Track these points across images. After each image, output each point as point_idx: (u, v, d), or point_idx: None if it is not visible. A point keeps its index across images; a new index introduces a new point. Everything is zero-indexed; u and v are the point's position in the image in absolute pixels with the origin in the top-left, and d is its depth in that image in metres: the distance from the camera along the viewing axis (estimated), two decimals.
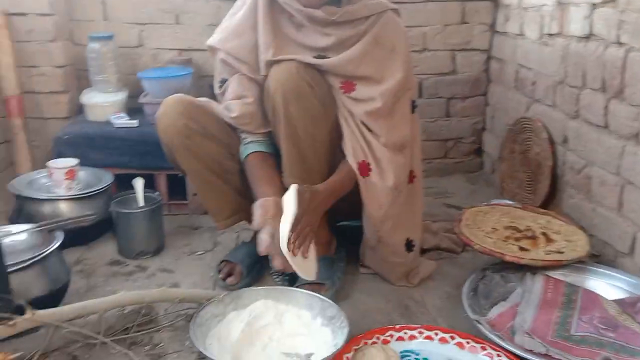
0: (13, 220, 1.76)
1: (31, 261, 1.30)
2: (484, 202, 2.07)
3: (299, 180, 1.43)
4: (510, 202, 1.90)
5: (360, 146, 1.44)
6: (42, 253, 1.33)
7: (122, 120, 2.05)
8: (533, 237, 1.60)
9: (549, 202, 1.98)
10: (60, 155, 1.97)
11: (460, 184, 2.48)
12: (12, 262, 1.27)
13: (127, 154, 1.99)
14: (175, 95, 1.49)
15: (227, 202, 1.55)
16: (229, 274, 1.55)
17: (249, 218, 1.64)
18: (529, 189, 2.09)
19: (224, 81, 1.55)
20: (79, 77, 2.32)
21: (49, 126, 2.22)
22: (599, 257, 1.66)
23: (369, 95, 1.42)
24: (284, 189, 1.46)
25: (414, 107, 1.55)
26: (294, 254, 1.24)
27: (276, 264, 1.27)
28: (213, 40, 1.53)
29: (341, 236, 1.70)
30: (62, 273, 1.41)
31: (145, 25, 2.30)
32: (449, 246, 1.79)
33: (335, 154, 1.50)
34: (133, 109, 2.21)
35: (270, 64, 1.41)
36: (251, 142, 1.51)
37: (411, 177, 1.55)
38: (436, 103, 2.49)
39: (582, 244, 1.55)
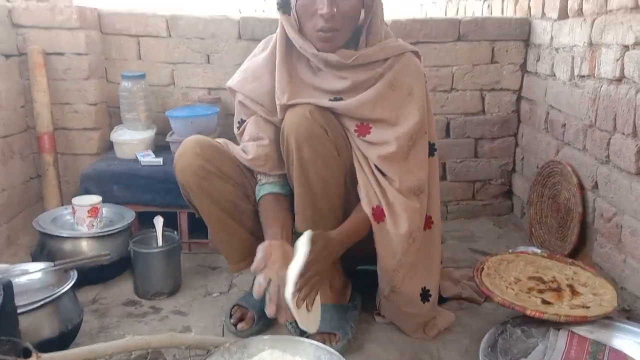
0: (36, 256, 1.80)
1: (42, 302, 1.32)
2: (510, 249, 2.01)
3: (310, 224, 1.42)
4: (537, 250, 1.82)
5: (374, 191, 1.41)
6: (53, 294, 1.35)
7: (148, 159, 2.09)
8: (558, 290, 1.52)
9: (579, 250, 1.89)
10: (87, 191, 2.02)
11: (487, 228, 2.40)
12: (23, 303, 1.29)
13: (150, 191, 2.01)
14: (194, 136, 1.50)
15: (241, 245, 1.54)
16: (240, 319, 1.53)
17: None
18: (559, 235, 2.01)
19: (242, 122, 1.56)
20: (112, 114, 2.39)
21: (80, 162, 2.29)
22: (630, 312, 1.57)
23: (384, 139, 1.40)
24: (295, 233, 1.46)
25: (433, 150, 1.52)
26: (298, 306, 1.20)
27: (270, 311, 1.22)
28: (232, 81, 1.56)
29: (358, 281, 1.66)
30: (74, 314, 1.42)
31: (177, 65, 2.36)
32: (470, 296, 1.72)
33: (350, 199, 1.48)
34: (161, 146, 2.26)
35: (286, 107, 1.41)
36: (266, 183, 1.51)
37: (428, 223, 1.50)
38: (464, 143, 2.44)
39: (610, 298, 1.46)
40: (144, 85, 2.23)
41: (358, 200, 1.45)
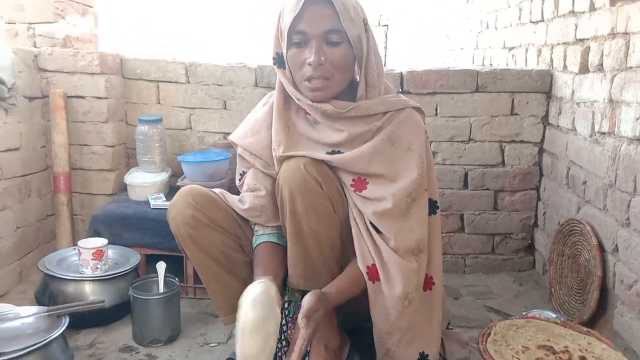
0: (39, 297, 1.80)
1: (29, 349, 1.31)
2: (526, 310, 1.91)
3: (302, 280, 1.38)
4: (551, 315, 1.72)
5: (368, 249, 1.36)
6: (41, 341, 1.34)
7: (158, 202, 2.09)
8: None
9: (599, 316, 1.78)
10: (96, 232, 2.03)
11: (506, 284, 2.30)
12: (10, 350, 1.28)
13: (158, 235, 2.01)
14: (189, 185, 1.49)
15: (234, 296, 1.48)
16: None
17: None
18: (579, 298, 1.90)
19: (243, 174, 1.56)
20: (130, 156, 2.44)
21: (96, 202, 2.32)
22: None
23: (380, 195, 1.36)
24: (287, 287, 1.42)
25: (434, 208, 1.47)
26: None
27: None
28: (234, 135, 1.56)
29: (360, 339, 1.59)
30: None
31: (194, 110, 2.39)
32: None
33: (347, 254, 1.43)
34: (175, 187, 2.27)
35: (282, 159, 1.40)
36: (263, 234, 1.49)
37: (429, 284, 1.44)
38: (483, 195, 2.37)
39: None
40: (160, 129, 2.26)
41: (354, 255, 1.41)
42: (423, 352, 1.41)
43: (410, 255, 1.36)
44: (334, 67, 1.36)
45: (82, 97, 2.24)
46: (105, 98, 2.24)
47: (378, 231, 1.37)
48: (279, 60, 1.41)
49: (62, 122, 2.17)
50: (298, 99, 1.41)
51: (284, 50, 1.38)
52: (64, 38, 2.52)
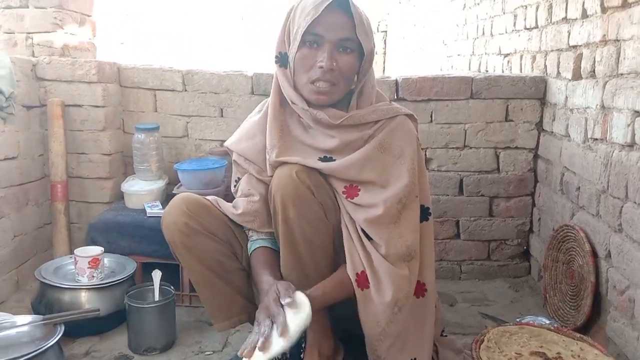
0: (35, 305, 1.81)
1: (24, 358, 1.32)
2: (519, 317, 1.92)
3: (296, 286, 1.38)
4: (544, 321, 1.73)
5: (359, 256, 1.37)
6: (35, 350, 1.35)
7: (155, 210, 2.11)
8: None
9: (592, 322, 1.79)
10: (93, 241, 2.04)
11: (502, 291, 2.30)
12: (4, 359, 1.29)
13: (154, 243, 2.02)
14: (183, 194, 1.51)
15: (227, 303, 1.51)
16: None
17: (251, 320, 1.60)
18: (573, 304, 1.90)
19: (238, 180, 1.57)
20: (127, 164, 2.45)
21: (93, 210, 2.33)
22: None
23: (371, 202, 1.37)
24: None
25: (427, 214, 1.48)
26: None
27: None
28: (229, 141, 1.58)
29: (355, 346, 1.60)
30: None
31: (191, 117, 2.41)
32: None
33: (339, 261, 1.44)
34: (172, 195, 2.27)
35: (275, 165, 1.41)
36: (258, 239, 1.50)
37: (422, 290, 1.44)
38: (478, 201, 2.38)
39: None
40: (157, 137, 2.28)
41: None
42: (414, 358, 1.42)
43: (401, 262, 1.37)
44: (342, 74, 1.39)
45: (80, 106, 2.26)
46: (103, 106, 2.26)
47: (369, 238, 1.38)
48: (282, 59, 1.43)
49: (60, 130, 2.18)
50: (293, 102, 1.43)
51: (293, 50, 1.39)
52: (62, 47, 2.54)
